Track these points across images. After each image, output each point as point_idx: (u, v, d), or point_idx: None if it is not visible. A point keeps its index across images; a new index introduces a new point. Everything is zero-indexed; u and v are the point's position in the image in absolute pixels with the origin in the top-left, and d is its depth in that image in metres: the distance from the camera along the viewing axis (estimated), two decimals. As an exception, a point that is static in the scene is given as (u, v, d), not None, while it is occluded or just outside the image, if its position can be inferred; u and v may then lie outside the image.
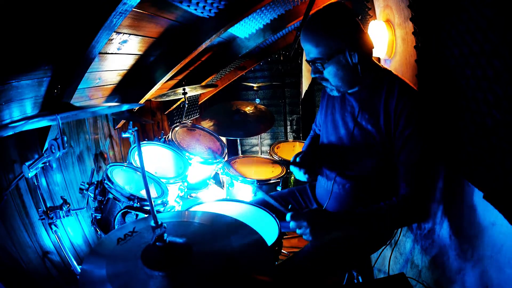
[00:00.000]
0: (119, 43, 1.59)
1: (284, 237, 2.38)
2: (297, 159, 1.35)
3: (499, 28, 0.80)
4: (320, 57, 1.12)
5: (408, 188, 1.13)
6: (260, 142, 4.36)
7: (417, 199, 1.14)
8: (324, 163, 1.38)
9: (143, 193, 1.55)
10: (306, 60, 1.20)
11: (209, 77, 2.88)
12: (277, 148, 2.69)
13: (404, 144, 1.12)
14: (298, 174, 1.34)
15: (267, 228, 1.31)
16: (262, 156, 2.58)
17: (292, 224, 1.08)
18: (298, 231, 1.08)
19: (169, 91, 2.33)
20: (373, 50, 1.18)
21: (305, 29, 1.14)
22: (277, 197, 1.54)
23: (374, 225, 1.14)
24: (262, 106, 3.01)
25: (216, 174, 2.44)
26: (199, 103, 3.51)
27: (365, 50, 1.13)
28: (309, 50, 1.14)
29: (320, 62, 1.13)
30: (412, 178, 1.13)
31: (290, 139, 3.62)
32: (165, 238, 0.72)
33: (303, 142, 2.78)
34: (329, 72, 1.15)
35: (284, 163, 2.42)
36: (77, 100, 1.74)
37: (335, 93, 1.23)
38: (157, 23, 1.66)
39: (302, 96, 4.02)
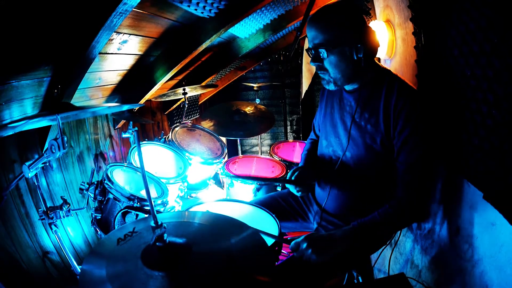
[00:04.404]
0: (119, 43, 1.59)
1: (284, 237, 2.37)
2: (293, 177, 1.37)
3: (499, 27, 0.80)
4: (326, 44, 1.10)
5: (406, 189, 1.14)
6: (260, 142, 4.36)
7: (414, 201, 1.14)
8: (323, 166, 1.38)
9: (143, 193, 1.55)
10: (309, 47, 1.17)
11: (209, 77, 2.88)
12: (277, 148, 2.69)
13: (403, 144, 1.12)
14: (293, 190, 1.39)
15: (267, 228, 1.31)
16: (262, 156, 2.58)
17: (295, 253, 1.10)
18: (303, 257, 1.09)
19: (169, 91, 2.33)
20: (378, 49, 1.17)
21: (314, 16, 1.13)
22: (277, 198, 1.54)
23: (372, 238, 1.18)
24: (262, 106, 3.00)
25: (216, 174, 2.44)
26: (199, 103, 3.51)
27: (371, 47, 1.13)
28: (315, 36, 1.12)
29: (324, 48, 1.11)
30: (411, 178, 1.13)
31: (290, 139, 3.62)
32: (165, 238, 0.72)
33: (304, 142, 2.78)
34: (330, 61, 1.13)
35: (284, 163, 2.41)
36: (77, 100, 1.75)
37: (331, 87, 1.20)
38: (157, 23, 1.66)
39: (302, 96, 4.02)
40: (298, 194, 1.38)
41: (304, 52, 3.78)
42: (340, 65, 1.13)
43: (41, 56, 1.28)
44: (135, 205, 1.42)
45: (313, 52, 1.15)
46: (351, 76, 1.17)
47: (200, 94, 3.48)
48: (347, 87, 1.24)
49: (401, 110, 1.11)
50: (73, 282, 1.69)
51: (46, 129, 1.70)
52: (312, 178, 1.41)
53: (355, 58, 1.11)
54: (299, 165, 1.49)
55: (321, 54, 1.14)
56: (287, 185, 1.42)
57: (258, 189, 2.14)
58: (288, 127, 4.42)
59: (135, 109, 2.37)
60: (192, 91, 2.46)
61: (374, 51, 1.15)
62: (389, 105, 1.14)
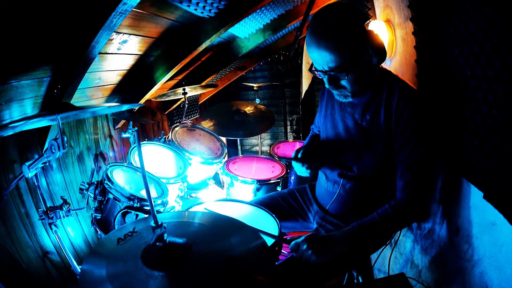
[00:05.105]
0: (119, 43, 1.59)
1: (284, 237, 2.37)
2: (299, 155, 1.34)
3: (499, 27, 0.80)
4: (345, 65, 1.04)
5: (406, 189, 1.14)
6: (260, 142, 4.36)
7: (414, 201, 1.14)
8: (325, 163, 1.38)
9: (143, 193, 1.55)
10: (318, 69, 1.09)
11: (209, 77, 2.88)
12: (277, 148, 2.69)
13: (404, 144, 1.12)
14: (300, 170, 1.34)
15: (267, 228, 1.31)
16: (262, 156, 2.58)
17: (295, 254, 1.10)
18: (303, 258, 1.09)
19: (169, 91, 2.33)
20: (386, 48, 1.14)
21: (320, 36, 1.02)
22: (277, 198, 1.54)
23: (371, 238, 1.17)
24: (262, 106, 3.00)
25: (216, 174, 2.44)
26: (199, 103, 3.51)
27: (382, 52, 1.09)
28: (330, 60, 1.03)
29: (344, 71, 1.05)
30: (411, 178, 1.13)
31: (290, 139, 3.62)
32: (165, 238, 0.72)
33: (303, 142, 2.78)
34: (349, 79, 1.09)
35: (283, 160, 2.41)
36: (77, 100, 1.75)
37: (349, 99, 1.17)
38: (157, 23, 1.66)
39: (302, 96, 4.02)
40: (308, 172, 1.32)
41: (304, 52, 3.78)
42: (359, 80, 1.11)
43: (41, 56, 1.28)
44: (135, 205, 1.42)
45: (327, 74, 1.09)
46: (368, 84, 1.16)
47: (200, 94, 3.49)
48: None
49: (402, 110, 1.11)
50: (73, 282, 1.69)
51: (46, 129, 1.70)
52: (316, 154, 1.37)
53: (370, 67, 1.09)
54: (303, 145, 1.45)
55: (339, 76, 1.08)
56: (295, 167, 1.36)
57: (258, 189, 2.14)
58: (288, 127, 4.42)
59: (135, 109, 2.37)
60: (192, 91, 2.46)
61: (385, 54, 1.12)
62: (390, 105, 1.14)
